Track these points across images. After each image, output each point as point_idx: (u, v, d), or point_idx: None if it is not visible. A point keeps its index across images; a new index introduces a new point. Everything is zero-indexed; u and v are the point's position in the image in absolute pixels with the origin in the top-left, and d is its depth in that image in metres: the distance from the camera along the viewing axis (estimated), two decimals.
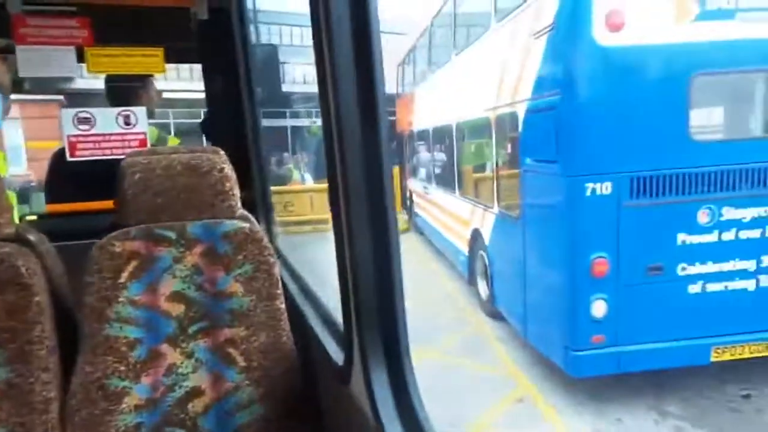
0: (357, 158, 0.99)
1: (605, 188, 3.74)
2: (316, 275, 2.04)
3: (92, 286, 1.27)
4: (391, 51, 14.58)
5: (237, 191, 1.40)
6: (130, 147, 2.25)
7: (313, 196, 12.35)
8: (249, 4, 2.43)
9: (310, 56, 1.10)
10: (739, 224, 3.92)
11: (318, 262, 2.32)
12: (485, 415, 4.19)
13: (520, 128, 4.67)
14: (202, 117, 2.96)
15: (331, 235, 1.15)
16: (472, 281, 6.82)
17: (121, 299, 1.28)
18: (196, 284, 1.33)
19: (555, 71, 4.00)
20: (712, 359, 4.03)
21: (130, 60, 2.35)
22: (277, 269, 1.39)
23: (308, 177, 14.87)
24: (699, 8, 3.65)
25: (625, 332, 3.92)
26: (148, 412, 1.30)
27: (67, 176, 2.28)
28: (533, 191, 4.52)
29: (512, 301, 5.19)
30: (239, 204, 1.41)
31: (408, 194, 12.80)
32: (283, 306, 1.39)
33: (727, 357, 4.04)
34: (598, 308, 3.87)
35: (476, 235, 6.41)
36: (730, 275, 3.97)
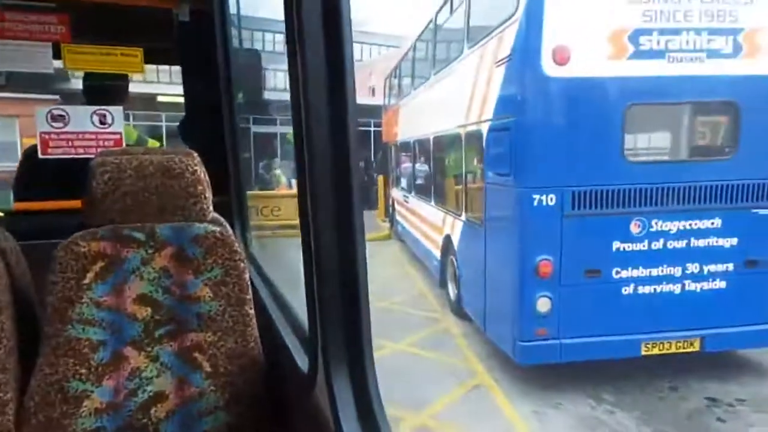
0: (326, 166, 1.00)
1: (550, 200, 4.30)
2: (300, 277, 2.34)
3: (55, 286, 1.24)
4: (384, 67, 15.20)
5: (209, 194, 1.39)
6: (104, 146, 2.23)
7: None
8: (233, 9, 2.51)
9: None
10: (666, 235, 4.49)
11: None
12: (444, 398, 4.70)
13: (484, 144, 5.23)
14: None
15: None
16: (443, 284, 7.35)
17: (84, 300, 1.25)
18: (164, 287, 1.31)
19: (510, 96, 4.58)
20: (643, 353, 4.58)
21: (108, 59, 2.32)
22: (248, 274, 1.38)
23: (295, 182, 15.32)
24: (634, 48, 4.24)
25: (566, 327, 4.46)
26: (109, 416, 1.26)
27: (38, 174, 2.25)
28: (493, 201, 5.08)
29: (475, 300, 5.73)
30: (211, 207, 1.40)
31: (391, 203, 13.33)
32: (252, 311, 1.37)
33: (656, 351, 4.60)
34: (543, 305, 4.42)
35: (447, 241, 6.95)
36: (658, 279, 4.54)
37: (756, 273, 4.61)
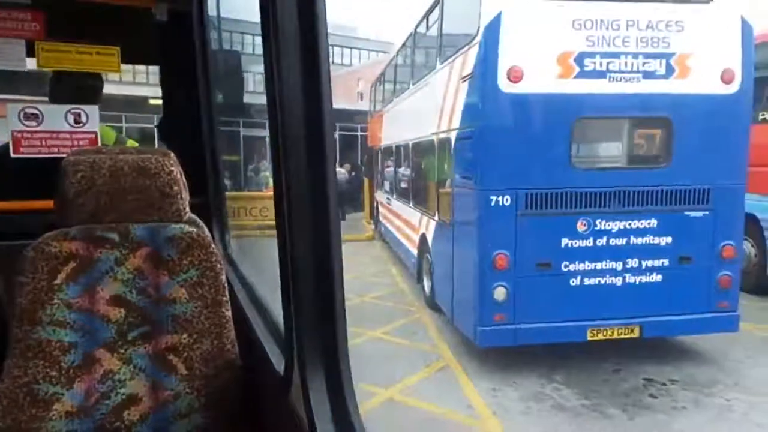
0: (302, 166, 1.00)
1: (505, 200, 4.88)
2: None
3: (25, 287, 1.22)
4: (372, 72, 15.73)
5: (186, 195, 1.38)
6: (78, 146, 2.18)
7: None
8: (213, 11, 2.55)
9: None
10: (609, 233, 5.09)
11: None
12: (412, 377, 5.25)
13: (452, 150, 5.81)
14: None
15: None
16: (419, 280, 7.91)
17: (55, 301, 1.23)
18: (138, 288, 1.29)
19: (472, 108, 5.16)
20: (589, 338, 5.16)
21: (84, 57, 2.28)
22: (224, 276, 1.37)
23: None
24: (579, 68, 4.83)
25: (520, 313, 5.03)
26: (80, 419, 1.25)
27: (8, 173, 2.21)
28: (459, 202, 5.65)
29: (445, 293, 6.29)
30: (188, 208, 1.39)
31: (375, 205, 13.89)
32: (228, 313, 1.37)
33: (600, 337, 5.18)
34: (499, 293, 4.99)
35: (423, 239, 7.52)
36: (602, 272, 5.13)
37: (688, 268, 5.21)
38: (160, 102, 2.74)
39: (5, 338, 1.25)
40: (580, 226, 5.04)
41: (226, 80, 2.66)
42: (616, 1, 4.91)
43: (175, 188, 1.33)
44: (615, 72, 4.87)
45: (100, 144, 2.25)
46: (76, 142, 2.20)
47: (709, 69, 4.98)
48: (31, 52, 2.19)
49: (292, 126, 0.99)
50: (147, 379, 1.30)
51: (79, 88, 2.38)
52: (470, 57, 5.16)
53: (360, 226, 15.09)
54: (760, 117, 7.74)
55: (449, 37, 6.32)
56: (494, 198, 4.88)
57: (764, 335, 6.31)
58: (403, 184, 9.45)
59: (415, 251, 8.09)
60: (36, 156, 2.15)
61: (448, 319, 6.30)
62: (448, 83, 5.95)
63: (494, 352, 5.49)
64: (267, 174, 15.54)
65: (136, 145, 2.66)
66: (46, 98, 2.41)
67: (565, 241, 5.05)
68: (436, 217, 6.73)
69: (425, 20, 7.46)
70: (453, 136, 5.75)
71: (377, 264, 10.58)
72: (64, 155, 1.35)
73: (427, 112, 6.92)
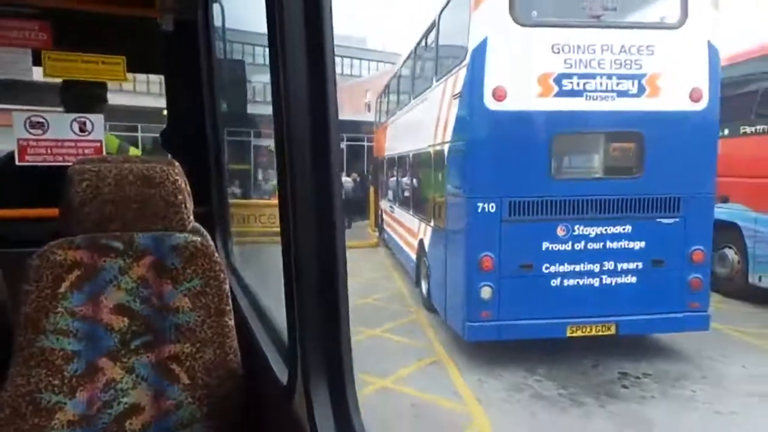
0: (307, 175, 1.00)
1: (491, 207, 5.36)
2: None
3: (30, 296, 1.22)
4: (379, 84, 16.29)
5: (190, 204, 1.39)
6: (83, 154, 2.18)
7: None
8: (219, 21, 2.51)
9: None
10: (586, 238, 5.55)
11: None
12: (406, 369, 5.72)
13: (446, 161, 6.31)
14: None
15: None
16: (417, 283, 8.38)
17: (59, 310, 1.24)
18: (142, 297, 1.30)
19: (462, 124, 5.67)
20: (568, 334, 5.61)
21: (90, 67, 2.30)
22: (228, 285, 1.37)
23: None
24: (558, 88, 5.32)
25: (504, 311, 5.49)
26: (83, 428, 1.25)
27: (14, 181, 2.21)
28: (451, 209, 6.14)
29: (439, 294, 6.76)
30: (192, 217, 1.40)
31: (380, 213, 14.39)
32: (231, 323, 1.37)
33: (579, 333, 5.63)
34: (485, 292, 5.46)
35: (421, 244, 8.00)
36: (580, 274, 5.59)
37: (661, 270, 5.65)
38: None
39: (9, 346, 1.25)
40: (560, 231, 5.51)
41: (234, 90, 2.68)
42: (592, 27, 5.40)
43: (180, 197, 1.34)
44: (591, 91, 5.35)
45: (104, 152, 2.27)
46: (81, 151, 2.22)
47: (678, 88, 5.44)
48: (37, 62, 2.23)
49: (298, 133, 1.00)
50: (149, 388, 1.29)
51: (88, 97, 2.42)
52: (460, 77, 5.66)
53: (365, 234, 15.61)
54: (741, 130, 8.20)
55: (443, 57, 6.85)
56: (481, 205, 5.37)
57: (741, 337, 6.71)
58: (404, 193, 9.94)
59: (414, 256, 8.57)
60: (41, 164, 2.17)
61: (442, 319, 6.76)
62: (442, 99, 6.46)
63: (483, 348, 5.95)
64: (275, 183, 16.09)
65: (139, 153, 2.72)
66: (50, 108, 2.46)
67: (545, 245, 5.51)
68: (432, 224, 7.22)
69: (425, 39, 7.99)
70: (446, 148, 6.26)
71: (380, 269, 11.07)
72: (70, 163, 1.35)
73: (425, 125, 7.42)
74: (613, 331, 5.67)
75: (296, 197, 1.02)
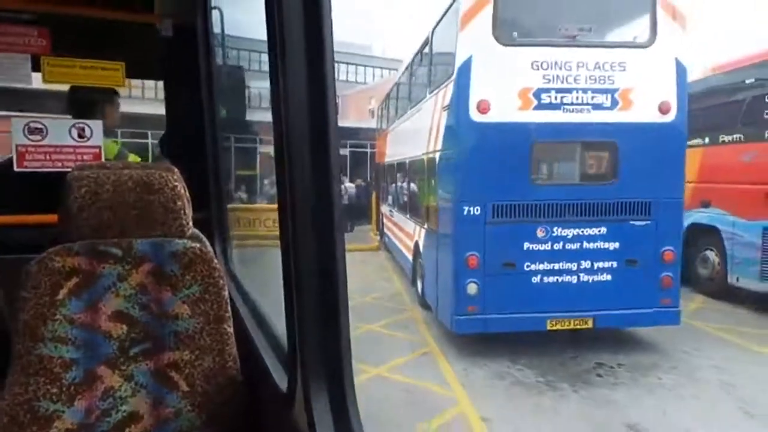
0: (306, 180, 1.00)
1: (476, 210, 5.86)
2: None
3: (28, 303, 1.22)
4: (383, 91, 16.82)
5: (189, 210, 1.38)
6: (82, 160, 2.18)
7: None
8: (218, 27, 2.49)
9: None
10: (564, 239, 6.03)
11: None
12: (399, 360, 6.21)
13: (437, 168, 6.82)
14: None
15: None
16: (414, 282, 8.87)
17: (57, 317, 1.23)
18: (141, 304, 1.29)
19: (450, 134, 6.18)
20: (548, 328, 6.08)
21: (89, 72, 2.29)
22: (227, 291, 1.37)
23: None
24: (537, 101, 5.83)
25: (489, 305, 5.97)
26: None
27: (12, 187, 2.20)
28: (442, 212, 6.64)
29: (432, 292, 7.25)
30: (190, 223, 1.39)
31: (381, 217, 14.90)
32: (230, 329, 1.36)
33: (558, 327, 6.10)
34: (472, 288, 5.95)
35: (417, 246, 8.50)
36: (559, 272, 6.07)
37: (634, 269, 6.12)
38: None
39: (7, 354, 1.24)
40: (540, 233, 6.00)
41: (235, 96, 2.67)
42: (568, 46, 5.91)
43: (179, 203, 1.33)
44: (568, 104, 5.86)
45: (103, 159, 2.27)
46: (80, 157, 2.22)
47: (649, 101, 5.93)
48: (36, 68, 2.24)
49: (297, 138, 1.00)
50: (148, 396, 1.29)
51: (91, 103, 2.44)
52: (449, 91, 6.18)
53: (367, 237, 16.13)
54: (720, 139, 8.67)
55: (435, 71, 7.37)
56: (467, 208, 5.87)
57: (715, 332, 7.16)
58: (402, 198, 10.45)
59: (410, 257, 9.07)
60: (40, 170, 2.16)
61: (435, 315, 7.25)
62: (434, 110, 6.98)
63: (471, 342, 6.43)
64: None
65: (138, 159, 2.70)
66: (50, 115, 2.48)
67: (526, 245, 6.00)
68: (426, 227, 7.72)
69: (420, 53, 8.52)
70: (437, 156, 6.77)
71: (380, 271, 11.58)
72: (68, 169, 1.35)
73: (420, 134, 7.93)
74: (590, 324, 6.14)
75: (296, 203, 1.03)
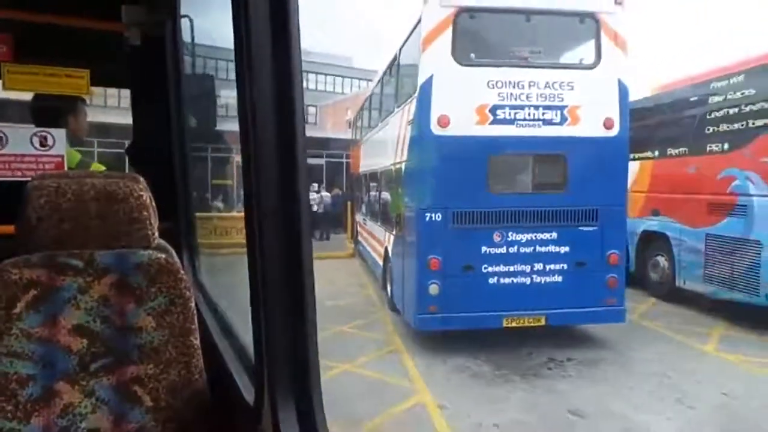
0: (273, 190, 0.99)
1: (437, 217, 6.33)
2: None
3: None
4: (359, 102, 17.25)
5: (155, 220, 1.35)
6: (44, 170, 2.13)
7: None
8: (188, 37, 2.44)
9: None
10: (518, 243, 6.54)
11: None
12: (366, 356, 6.62)
13: (403, 178, 7.29)
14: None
15: None
16: (384, 287, 9.30)
17: (14, 331, 1.18)
18: (103, 317, 1.24)
19: (414, 146, 6.67)
20: (504, 325, 6.56)
21: (52, 80, 2.25)
22: (193, 303, 1.33)
23: None
24: (493, 117, 6.35)
25: (449, 305, 6.43)
26: None
27: None
28: (407, 219, 7.11)
29: (398, 293, 7.69)
30: (156, 234, 1.36)
31: (355, 226, 15.32)
32: (197, 342, 1.32)
33: (513, 324, 6.59)
34: (433, 289, 6.40)
35: (386, 252, 8.94)
36: (514, 274, 6.57)
37: (583, 271, 6.66)
38: None
39: None
40: (496, 237, 6.50)
41: (206, 105, 2.63)
42: (521, 67, 6.46)
43: (144, 213, 1.31)
44: (521, 120, 6.40)
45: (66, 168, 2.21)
46: (41, 166, 2.16)
47: (594, 117, 6.51)
48: None
49: (264, 145, 0.99)
50: (110, 412, 1.25)
51: (55, 111, 2.39)
52: (412, 106, 6.68)
53: (343, 245, 16.52)
54: (667, 152, 9.33)
55: (402, 87, 7.88)
56: (429, 215, 6.34)
57: (662, 332, 7.73)
58: (374, 207, 10.90)
59: (381, 263, 9.51)
60: None
61: (402, 316, 7.68)
62: (400, 124, 7.47)
63: (434, 340, 6.87)
64: None
65: (102, 168, 2.64)
66: (9, 124, 2.41)
67: (484, 249, 6.49)
68: (394, 233, 8.17)
69: (390, 68, 9.03)
70: (403, 166, 7.24)
71: (353, 277, 11.99)
72: (29, 179, 1.32)
73: (389, 145, 8.41)
74: (542, 322, 6.64)
75: (262, 212, 1.02)
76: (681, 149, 9.04)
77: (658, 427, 4.72)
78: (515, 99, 6.38)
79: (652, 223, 9.66)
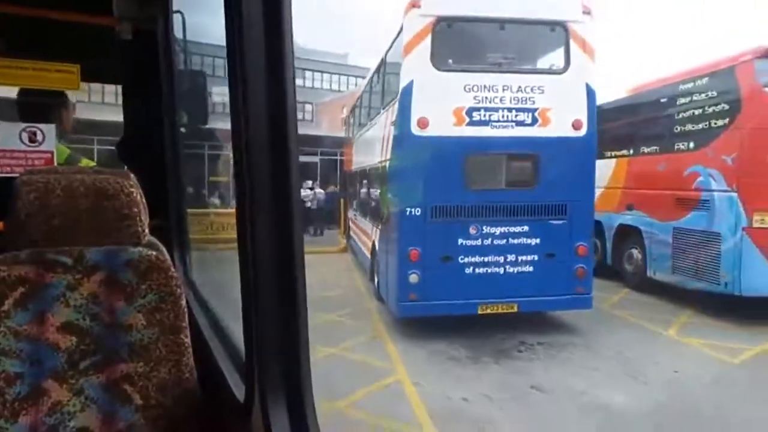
0: (266, 186, 1.00)
1: (417, 212, 6.83)
2: None
3: None
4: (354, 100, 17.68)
5: (146, 217, 1.35)
6: (33, 166, 2.11)
7: None
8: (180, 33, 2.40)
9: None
10: (493, 236, 7.04)
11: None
12: (351, 341, 7.12)
13: (388, 175, 7.78)
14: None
15: None
16: (372, 279, 9.80)
17: (1, 329, 1.17)
18: (92, 315, 1.23)
19: (396, 145, 7.16)
20: (479, 312, 7.07)
21: (42, 75, 2.22)
22: (184, 300, 1.32)
23: None
24: (469, 119, 6.84)
25: (428, 293, 6.93)
26: None
27: None
28: (391, 214, 7.61)
29: (383, 283, 8.19)
30: (147, 231, 1.36)
31: (348, 221, 15.81)
32: (187, 339, 1.32)
33: (488, 311, 7.10)
34: (413, 278, 6.90)
35: (374, 245, 9.43)
36: (488, 264, 7.07)
37: (553, 262, 7.16)
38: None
39: None
40: (472, 230, 7.00)
41: (199, 102, 2.60)
42: (495, 72, 6.95)
43: (134, 210, 1.30)
44: (495, 121, 6.89)
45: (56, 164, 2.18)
46: (31, 162, 2.14)
47: (564, 119, 7.00)
48: None
49: (257, 144, 0.99)
50: (99, 410, 1.24)
51: (40, 106, 2.36)
52: (395, 108, 7.17)
53: (336, 241, 17.04)
54: (641, 150, 9.85)
55: (388, 89, 8.37)
56: (409, 210, 6.84)
57: (632, 320, 8.24)
58: (364, 203, 11.39)
59: (369, 256, 10.01)
60: None
61: (387, 306, 8.19)
62: (386, 124, 7.96)
63: (415, 328, 7.36)
64: None
65: (92, 164, 2.60)
66: None
67: (461, 241, 6.99)
68: (380, 227, 8.67)
69: (377, 72, 9.51)
70: (388, 164, 7.74)
71: (344, 270, 12.49)
72: (17, 175, 1.31)
73: (376, 144, 8.90)
74: (515, 309, 7.15)
75: (255, 209, 1.02)
76: (653, 147, 9.56)
77: (609, 399, 5.24)
78: (490, 102, 6.87)
79: (627, 218, 10.19)
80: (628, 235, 10.21)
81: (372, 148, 9.54)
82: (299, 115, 36.68)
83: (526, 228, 7.09)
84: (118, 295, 1.25)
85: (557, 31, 7.02)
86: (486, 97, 6.87)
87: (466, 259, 7.03)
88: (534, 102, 6.96)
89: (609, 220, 10.67)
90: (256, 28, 0.98)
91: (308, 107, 37.98)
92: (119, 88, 2.60)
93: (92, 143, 15.26)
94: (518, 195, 7.14)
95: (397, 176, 7.19)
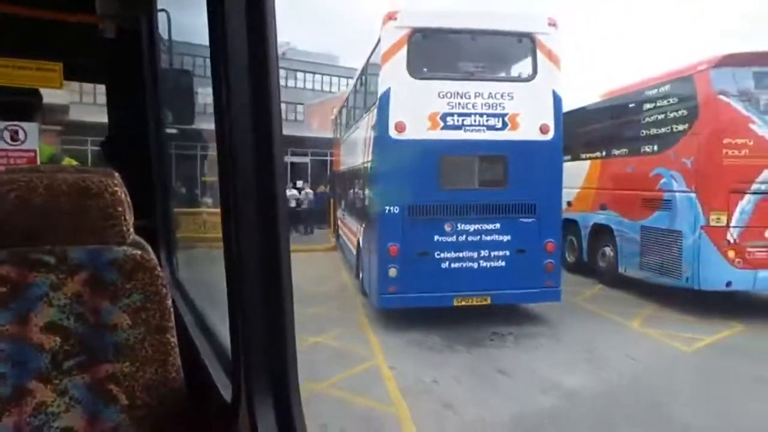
0: (250, 186, 0.99)
1: (395, 210, 7.31)
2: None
3: None
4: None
5: (130, 216, 1.33)
6: (15, 164, 2.07)
7: None
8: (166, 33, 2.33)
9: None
10: (467, 232, 7.53)
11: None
12: (334, 331, 7.59)
13: (369, 175, 8.26)
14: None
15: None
16: (357, 275, 10.26)
17: None
18: (76, 314, 1.22)
19: (375, 148, 7.65)
20: (455, 304, 7.55)
21: (23, 73, 2.20)
22: (170, 300, 1.31)
23: None
24: (443, 123, 7.33)
25: (407, 286, 7.40)
26: None
27: None
28: (371, 212, 8.08)
29: (366, 278, 8.67)
30: (131, 230, 1.34)
31: (336, 220, 16.27)
32: (174, 339, 1.30)
33: (463, 303, 7.58)
34: (392, 272, 7.38)
35: (359, 242, 9.91)
36: (462, 259, 7.56)
37: (523, 257, 7.65)
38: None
39: None
40: (447, 227, 7.49)
41: (185, 101, 2.58)
42: (468, 80, 7.45)
43: (119, 209, 1.27)
44: (468, 126, 7.38)
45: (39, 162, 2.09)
46: (13, 161, 2.10)
47: (532, 124, 7.50)
48: None
49: (240, 145, 0.99)
50: (84, 411, 1.22)
51: (16, 104, 2.33)
52: (375, 113, 7.65)
53: (326, 239, 17.50)
54: (612, 153, 10.37)
55: (368, 95, 8.85)
56: (388, 208, 7.32)
57: (601, 313, 8.73)
58: (351, 202, 11.86)
59: (355, 253, 10.48)
60: None
61: (370, 299, 8.65)
62: (368, 127, 8.44)
63: (396, 319, 7.83)
64: None
65: (75, 163, 2.56)
66: None
67: (437, 237, 7.48)
68: (364, 225, 9.15)
69: (360, 77, 9.99)
70: (369, 165, 8.22)
71: (333, 268, 12.97)
72: None
73: (360, 146, 9.38)
74: (488, 301, 7.65)
75: (239, 209, 1.02)
76: (623, 150, 10.09)
77: (565, 380, 5.73)
78: (462, 107, 7.36)
79: (600, 217, 10.71)
80: (601, 233, 10.72)
81: (356, 150, 10.00)
82: (291, 116, 37.29)
83: (498, 225, 7.58)
84: (103, 295, 1.23)
85: (525, 42, 7.52)
86: (459, 103, 7.36)
87: (442, 255, 7.51)
88: (504, 108, 7.46)
89: (584, 219, 11.21)
90: (239, 28, 0.97)
91: (300, 108, 38.43)
92: None
93: (86, 144, 15.63)
94: (490, 194, 7.63)
95: (377, 177, 7.67)
